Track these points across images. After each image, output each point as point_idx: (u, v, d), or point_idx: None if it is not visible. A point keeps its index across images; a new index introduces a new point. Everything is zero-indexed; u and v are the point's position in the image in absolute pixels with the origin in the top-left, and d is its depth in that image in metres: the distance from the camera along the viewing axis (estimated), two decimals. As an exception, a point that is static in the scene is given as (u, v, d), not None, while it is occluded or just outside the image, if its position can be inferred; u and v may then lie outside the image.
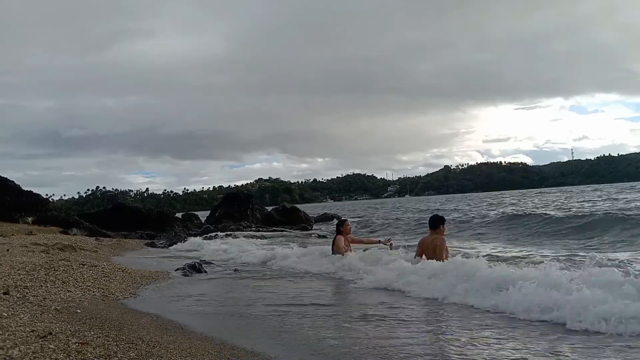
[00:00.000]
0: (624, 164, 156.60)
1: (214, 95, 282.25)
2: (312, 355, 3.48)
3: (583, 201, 28.90)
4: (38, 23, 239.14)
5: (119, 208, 24.30)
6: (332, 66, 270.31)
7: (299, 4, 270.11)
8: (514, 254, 9.61)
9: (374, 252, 8.54)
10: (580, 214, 16.31)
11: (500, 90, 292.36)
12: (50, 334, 3.35)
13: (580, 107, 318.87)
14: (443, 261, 6.90)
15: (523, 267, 5.97)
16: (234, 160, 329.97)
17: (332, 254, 8.65)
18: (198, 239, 17.41)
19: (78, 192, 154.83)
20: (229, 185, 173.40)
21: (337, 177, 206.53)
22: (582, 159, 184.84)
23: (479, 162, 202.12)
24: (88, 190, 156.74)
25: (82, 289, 5.65)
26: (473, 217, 21.11)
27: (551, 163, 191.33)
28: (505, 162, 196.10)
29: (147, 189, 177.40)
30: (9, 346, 2.98)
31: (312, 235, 19.12)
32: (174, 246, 14.91)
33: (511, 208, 26.90)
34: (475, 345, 3.56)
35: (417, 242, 7.91)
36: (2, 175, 19.30)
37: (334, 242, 9.06)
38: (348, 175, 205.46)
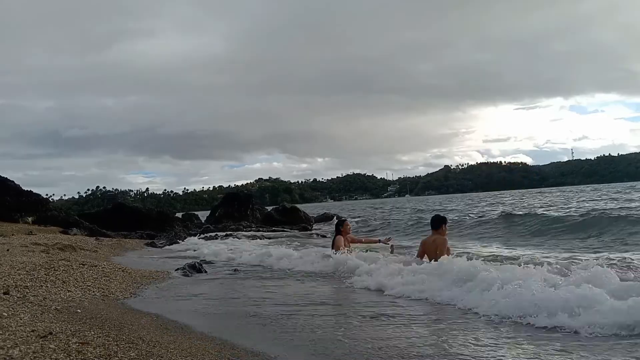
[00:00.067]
0: (624, 164, 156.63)
1: (214, 95, 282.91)
2: (313, 355, 3.48)
3: (583, 200, 28.91)
4: (38, 23, 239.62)
5: (119, 208, 24.30)
6: (332, 66, 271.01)
7: (299, 4, 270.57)
8: (506, 255, 9.61)
9: (373, 252, 8.56)
10: (578, 214, 16.32)
11: (500, 90, 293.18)
12: (51, 333, 3.35)
13: (580, 107, 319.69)
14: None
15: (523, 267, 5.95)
16: (234, 160, 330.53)
17: (332, 253, 8.65)
18: (197, 239, 17.45)
19: (78, 192, 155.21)
20: (229, 185, 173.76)
21: (337, 177, 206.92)
22: (582, 158, 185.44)
23: (479, 162, 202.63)
24: (88, 190, 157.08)
25: (82, 288, 5.65)
26: (470, 217, 21.13)
27: (551, 163, 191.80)
28: (505, 162, 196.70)
29: (147, 189, 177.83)
30: (9, 346, 2.98)
31: (312, 235, 19.11)
32: (172, 246, 14.91)
33: (510, 208, 26.92)
34: (475, 346, 3.57)
35: (412, 242, 7.91)
36: (2, 175, 19.32)
37: (333, 242, 9.07)
38: (348, 175, 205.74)
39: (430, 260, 7.06)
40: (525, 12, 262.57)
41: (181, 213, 33.23)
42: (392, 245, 9.31)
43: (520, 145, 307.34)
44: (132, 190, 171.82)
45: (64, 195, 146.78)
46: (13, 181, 19.55)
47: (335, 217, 26.51)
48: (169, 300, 5.62)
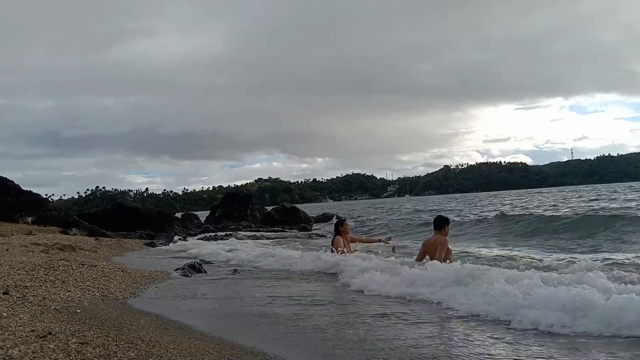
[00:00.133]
0: (623, 164, 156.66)
1: (214, 95, 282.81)
2: (312, 355, 3.49)
3: (582, 200, 28.91)
4: (38, 23, 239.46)
5: (118, 208, 24.29)
6: (332, 66, 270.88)
7: (299, 4, 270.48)
8: (504, 254, 9.61)
9: (373, 253, 8.57)
10: (575, 214, 16.32)
11: (500, 90, 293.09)
12: (50, 333, 3.35)
13: (580, 107, 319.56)
14: (441, 262, 6.92)
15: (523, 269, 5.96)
16: (234, 160, 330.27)
17: (332, 254, 8.65)
18: (196, 239, 17.44)
19: (78, 192, 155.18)
20: (229, 185, 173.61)
21: (337, 177, 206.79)
22: (582, 158, 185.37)
23: (478, 162, 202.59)
24: (88, 190, 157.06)
25: (81, 288, 5.65)
26: (469, 217, 21.13)
27: (551, 163, 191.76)
28: (505, 162, 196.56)
29: (146, 189, 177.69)
30: (8, 346, 2.98)
31: (312, 235, 19.11)
32: (172, 246, 14.88)
33: (509, 208, 26.92)
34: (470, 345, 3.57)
35: (411, 242, 7.91)
36: (2, 175, 19.30)
37: (333, 242, 9.06)
38: (348, 175, 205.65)
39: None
40: (525, 12, 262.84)
41: (181, 213, 33.20)
42: (393, 247, 9.32)
43: (520, 145, 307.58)
44: (132, 190, 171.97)
45: (64, 195, 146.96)
46: (13, 181, 19.54)
47: (334, 217, 26.50)
48: (168, 301, 5.62)
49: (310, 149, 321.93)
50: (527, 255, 9.39)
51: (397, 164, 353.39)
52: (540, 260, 8.39)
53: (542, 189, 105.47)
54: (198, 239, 17.87)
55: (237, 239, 17.09)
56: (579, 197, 35.88)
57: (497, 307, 4.44)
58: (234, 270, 8.32)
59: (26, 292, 4.93)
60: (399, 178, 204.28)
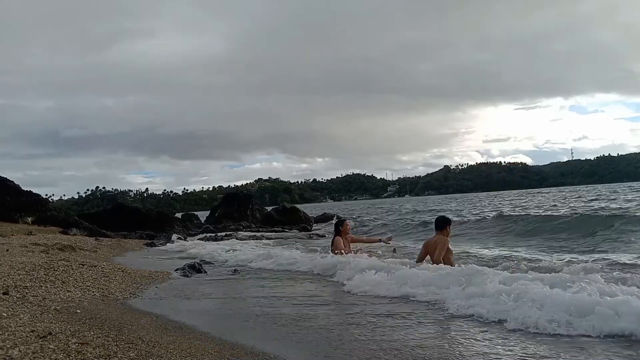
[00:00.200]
0: (623, 164, 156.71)
1: (214, 95, 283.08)
2: (313, 355, 3.49)
3: (582, 200, 28.91)
4: (38, 23, 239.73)
5: (118, 208, 24.30)
6: (332, 66, 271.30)
7: (299, 4, 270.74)
8: (500, 254, 9.61)
9: (373, 254, 8.56)
10: (574, 214, 16.31)
11: (500, 90, 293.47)
12: (50, 334, 3.35)
13: (580, 107, 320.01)
14: (439, 261, 6.93)
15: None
16: (234, 160, 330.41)
17: (332, 254, 8.64)
18: (196, 240, 17.45)
19: (78, 192, 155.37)
20: (229, 185, 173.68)
21: (337, 177, 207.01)
22: (582, 159, 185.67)
23: (478, 162, 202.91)
24: (88, 190, 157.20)
25: (81, 289, 5.65)
26: (467, 217, 21.13)
27: (551, 163, 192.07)
28: (505, 162, 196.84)
29: (146, 189, 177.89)
30: (8, 346, 2.98)
31: (312, 235, 19.11)
32: (172, 246, 14.89)
33: (508, 208, 26.92)
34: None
35: (410, 242, 7.89)
36: (2, 175, 19.31)
37: (332, 242, 9.05)
38: (348, 175, 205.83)
39: (433, 261, 7.09)
40: (525, 12, 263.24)
41: (181, 213, 33.22)
42: (394, 248, 9.32)
43: (520, 145, 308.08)
44: (132, 191, 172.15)
45: (64, 195, 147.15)
46: (13, 181, 19.55)
47: (335, 217, 26.50)
48: (168, 301, 5.62)
49: (310, 149, 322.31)
50: (526, 255, 9.39)
51: (397, 164, 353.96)
52: (538, 260, 8.40)
53: (542, 189, 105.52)
54: (198, 239, 17.88)
55: (237, 239, 17.10)
56: (579, 197, 35.91)
57: (494, 307, 4.44)
58: (234, 270, 8.32)
59: (26, 293, 4.93)
60: (399, 178, 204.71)
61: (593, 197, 32.49)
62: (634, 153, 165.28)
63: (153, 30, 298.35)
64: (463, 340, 3.75)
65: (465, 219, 19.86)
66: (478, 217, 20.23)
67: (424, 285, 5.59)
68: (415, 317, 4.58)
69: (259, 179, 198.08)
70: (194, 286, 6.74)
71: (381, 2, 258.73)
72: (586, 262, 7.67)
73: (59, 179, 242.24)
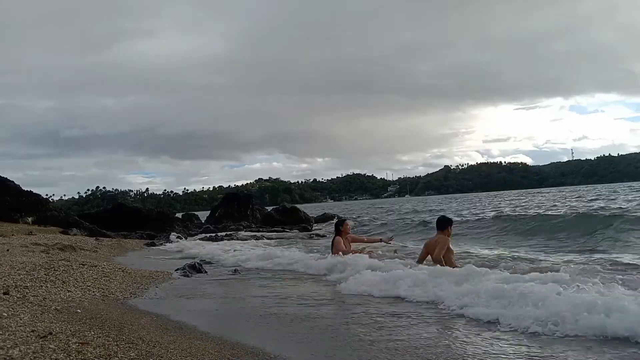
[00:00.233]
0: (623, 164, 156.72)
1: (214, 95, 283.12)
2: (313, 355, 3.49)
3: (581, 200, 28.91)
4: (38, 23, 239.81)
5: (118, 208, 24.30)
6: (332, 66, 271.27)
7: (299, 4, 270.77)
8: (499, 254, 9.60)
9: (374, 254, 8.55)
10: (573, 214, 16.28)
11: (500, 90, 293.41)
12: (51, 334, 3.35)
13: (580, 107, 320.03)
14: (440, 259, 6.95)
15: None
16: (234, 160, 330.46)
17: (332, 254, 8.64)
18: (196, 240, 17.45)
19: (78, 192, 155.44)
20: (229, 185, 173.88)
21: (337, 177, 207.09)
22: (582, 159, 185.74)
23: (478, 162, 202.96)
24: (88, 190, 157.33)
25: (82, 289, 5.65)
26: (466, 217, 21.11)
27: (551, 163, 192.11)
28: (505, 162, 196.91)
29: (147, 189, 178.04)
30: (9, 346, 2.98)
31: (312, 235, 19.11)
32: (172, 246, 14.89)
33: (508, 208, 26.90)
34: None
35: (409, 242, 7.89)
36: (2, 175, 19.32)
37: (333, 242, 9.04)
38: (348, 175, 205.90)
39: (433, 260, 7.10)
40: (525, 12, 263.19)
41: (181, 213, 33.24)
42: (396, 250, 9.31)
43: (520, 145, 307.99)
44: (132, 191, 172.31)
45: (64, 195, 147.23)
46: (13, 181, 19.56)
47: (335, 218, 26.51)
48: (169, 301, 5.63)
49: (310, 149, 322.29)
50: (525, 255, 9.38)
51: (397, 164, 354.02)
52: (538, 260, 8.39)
53: (542, 189, 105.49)
54: (198, 239, 17.88)
55: (237, 239, 17.10)
56: (579, 197, 35.90)
57: (491, 307, 4.44)
58: (234, 270, 8.33)
59: (27, 292, 4.94)
60: (399, 178, 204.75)
61: (593, 197, 32.47)
62: (634, 153, 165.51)
63: (153, 30, 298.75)
64: (461, 340, 3.75)
65: (465, 219, 19.85)
66: (478, 217, 20.22)
67: (422, 286, 5.59)
68: (415, 317, 4.58)
69: (259, 179, 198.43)
70: (195, 286, 6.75)
71: (381, 2, 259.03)
72: (585, 262, 7.68)
73: (59, 179, 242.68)
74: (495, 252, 10.29)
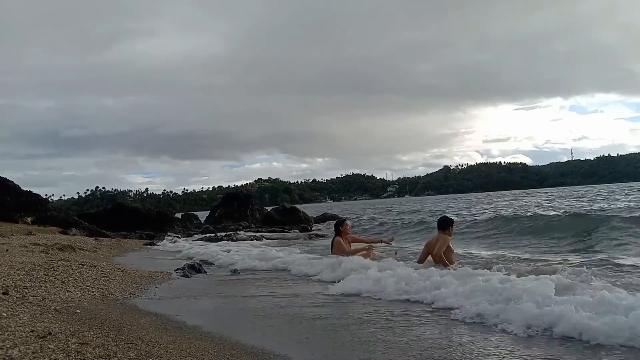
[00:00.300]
0: (623, 164, 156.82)
1: (214, 95, 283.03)
2: (312, 355, 3.49)
3: (581, 200, 28.94)
4: (38, 23, 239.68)
5: (118, 208, 24.29)
6: (332, 66, 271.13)
7: (299, 4, 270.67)
8: (497, 255, 9.60)
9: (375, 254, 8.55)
10: (570, 214, 16.30)
11: (500, 90, 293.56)
12: (50, 334, 3.35)
13: (580, 107, 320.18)
14: (440, 256, 6.96)
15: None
16: (234, 160, 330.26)
17: (332, 255, 8.63)
18: (196, 240, 17.45)
19: (78, 192, 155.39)
20: (229, 185, 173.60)
21: (337, 177, 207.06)
22: (582, 159, 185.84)
23: (478, 162, 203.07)
24: (88, 190, 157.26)
25: (81, 289, 5.65)
26: (465, 217, 21.13)
27: (551, 163, 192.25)
28: (504, 162, 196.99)
29: (146, 189, 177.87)
30: (8, 346, 2.98)
31: (312, 235, 19.10)
32: (172, 246, 14.90)
33: (506, 209, 26.91)
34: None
35: (409, 243, 7.90)
36: (2, 175, 19.34)
37: (333, 242, 9.03)
38: (348, 175, 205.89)
39: (434, 260, 7.11)
40: (525, 12, 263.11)
41: (181, 213, 33.21)
42: (396, 251, 9.30)
43: (519, 145, 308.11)
44: (132, 191, 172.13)
45: (64, 195, 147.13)
46: (12, 181, 19.57)
47: (335, 218, 26.51)
48: (168, 301, 5.63)
49: (310, 149, 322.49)
50: (524, 255, 9.39)
51: (397, 164, 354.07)
52: (536, 260, 8.39)
53: (542, 189, 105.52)
54: (198, 239, 17.87)
55: (237, 239, 17.09)
56: (578, 197, 35.94)
57: (489, 308, 4.44)
58: (234, 270, 8.32)
59: (26, 293, 4.93)
60: (399, 178, 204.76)
61: (592, 197, 32.52)
62: (634, 153, 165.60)
63: (153, 30, 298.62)
64: (461, 342, 3.75)
65: (465, 219, 19.86)
66: (478, 217, 20.23)
67: (419, 286, 5.59)
68: (415, 317, 4.59)
69: (258, 179, 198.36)
70: (194, 286, 6.74)
71: (381, 2, 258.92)
72: (583, 262, 7.66)
73: (59, 179, 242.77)
74: (493, 252, 10.29)
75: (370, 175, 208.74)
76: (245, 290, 6.44)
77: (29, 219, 18.37)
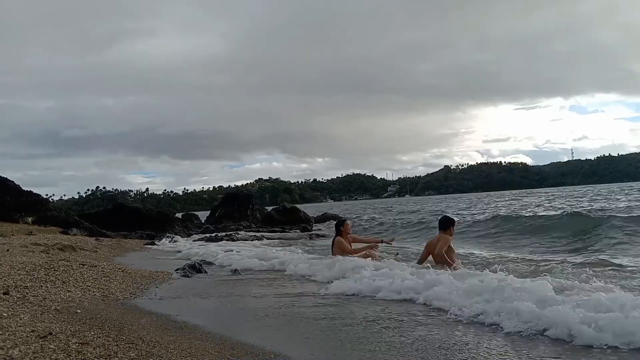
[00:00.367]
0: (623, 164, 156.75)
1: (214, 95, 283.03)
2: (312, 355, 3.50)
3: (581, 200, 28.93)
4: (38, 23, 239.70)
5: (118, 208, 24.31)
6: (332, 66, 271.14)
7: (299, 4, 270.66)
8: (495, 255, 9.61)
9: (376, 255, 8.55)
10: (569, 214, 16.30)
11: (500, 90, 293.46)
12: (51, 334, 3.36)
13: (580, 107, 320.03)
14: (441, 254, 6.97)
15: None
16: (234, 160, 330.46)
17: (332, 255, 8.63)
18: (196, 240, 17.45)
19: (78, 192, 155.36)
20: (229, 185, 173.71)
21: (337, 177, 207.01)
22: (582, 159, 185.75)
23: (478, 162, 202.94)
24: (88, 190, 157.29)
25: (82, 289, 5.66)
26: (465, 218, 21.13)
27: (551, 163, 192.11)
28: (505, 162, 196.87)
29: (147, 189, 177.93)
30: (9, 346, 2.99)
31: (313, 235, 19.11)
32: (172, 246, 14.90)
33: (506, 209, 26.91)
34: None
35: (410, 244, 7.90)
36: (2, 175, 19.35)
37: (333, 242, 9.03)
38: (348, 175, 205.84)
39: (435, 260, 7.12)
40: (525, 12, 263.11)
41: (181, 213, 33.24)
42: (397, 252, 9.30)
43: (520, 145, 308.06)
44: (132, 191, 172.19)
45: (64, 195, 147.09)
46: (13, 181, 19.58)
47: (336, 218, 26.50)
48: (168, 301, 5.63)
49: (310, 149, 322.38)
50: (523, 256, 9.39)
51: (397, 164, 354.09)
52: (534, 261, 8.39)
53: (542, 189, 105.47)
54: (198, 239, 17.89)
55: (237, 239, 17.10)
56: (579, 197, 35.93)
57: (487, 308, 4.44)
58: (234, 270, 8.33)
59: (27, 293, 4.94)
60: (399, 178, 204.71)
61: (593, 197, 32.51)
62: (634, 153, 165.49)
63: (153, 30, 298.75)
64: (461, 342, 3.75)
65: (465, 219, 19.86)
66: (477, 217, 20.23)
67: (418, 286, 5.60)
68: (415, 318, 4.59)
69: (259, 179, 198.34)
70: (194, 286, 6.75)
71: (381, 2, 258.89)
72: (583, 262, 7.68)
73: (59, 179, 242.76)
74: (493, 252, 10.30)
75: (370, 175, 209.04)
76: (246, 290, 6.44)
77: (30, 219, 18.38)
